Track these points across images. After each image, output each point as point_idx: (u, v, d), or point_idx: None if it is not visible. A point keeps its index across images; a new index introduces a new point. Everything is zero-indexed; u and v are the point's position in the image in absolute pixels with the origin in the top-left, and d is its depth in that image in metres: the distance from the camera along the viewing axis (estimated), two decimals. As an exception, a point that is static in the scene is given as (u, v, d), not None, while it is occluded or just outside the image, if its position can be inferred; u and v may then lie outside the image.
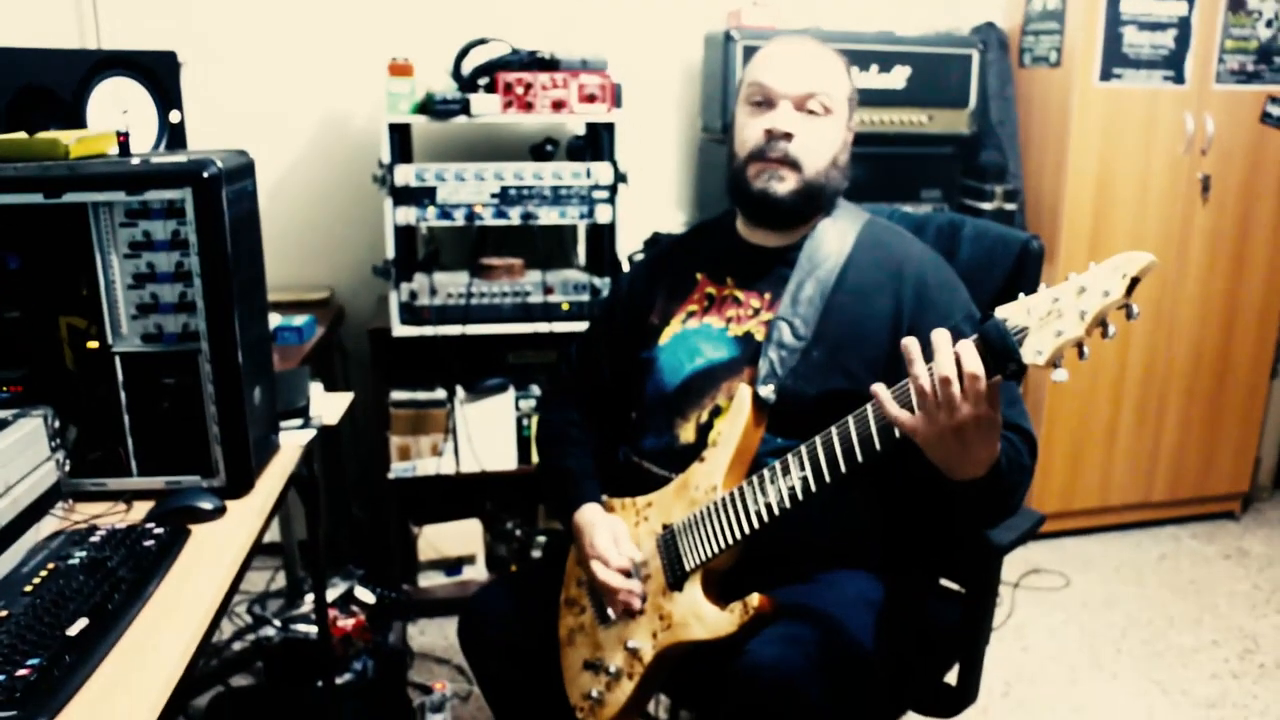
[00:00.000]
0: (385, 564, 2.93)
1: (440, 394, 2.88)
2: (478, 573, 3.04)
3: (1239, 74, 3.26)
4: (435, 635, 2.89)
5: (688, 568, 1.51)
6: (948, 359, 1.18)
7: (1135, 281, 1.04)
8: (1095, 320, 1.07)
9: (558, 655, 1.71)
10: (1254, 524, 3.76)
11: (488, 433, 2.90)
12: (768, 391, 1.54)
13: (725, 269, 1.70)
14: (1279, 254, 3.48)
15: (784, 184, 1.58)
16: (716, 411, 1.59)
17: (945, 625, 1.73)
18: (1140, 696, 2.67)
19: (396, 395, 2.87)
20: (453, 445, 2.88)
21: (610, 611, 1.61)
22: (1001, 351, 1.14)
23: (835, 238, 1.64)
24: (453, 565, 3.02)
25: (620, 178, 2.77)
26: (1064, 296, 1.10)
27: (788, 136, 1.57)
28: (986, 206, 3.21)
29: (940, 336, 1.20)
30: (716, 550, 1.47)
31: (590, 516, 1.65)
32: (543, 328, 2.80)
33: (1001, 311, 1.16)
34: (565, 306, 2.80)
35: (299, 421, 1.90)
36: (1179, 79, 3.20)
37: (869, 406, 1.30)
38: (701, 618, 1.48)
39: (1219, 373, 3.54)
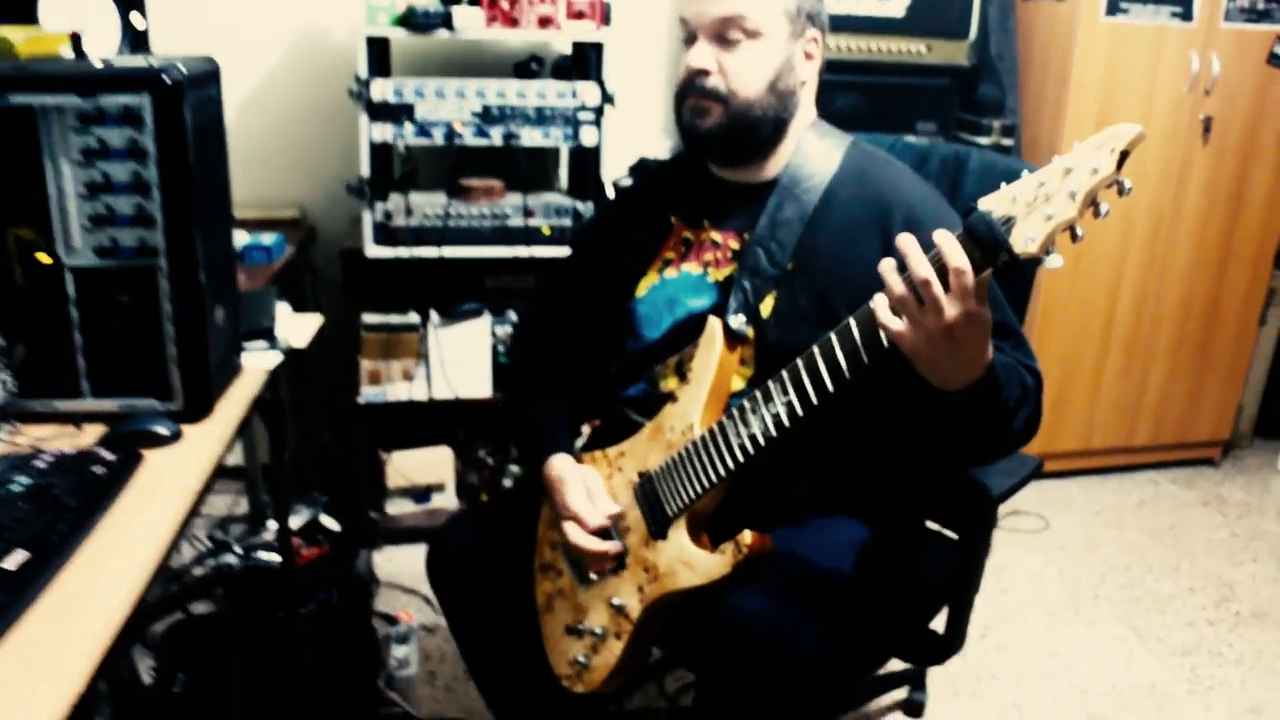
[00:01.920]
0: (353, 491, 2.87)
1: (413, 318, 2.80)
2: (447, 500, 2.99)
3: (1249, 12, 3.16)
4: (403, 564, 2.84)
5: (670, 513, 1.45)
6: (920, 262, 1.13)
7: (1124, 155, 1.01)
8: (1086, 199, 1.04)
9: (529, 588, 1.65)
10: (1233, 471, 3.75)
11: (462, 358, 2.82)
12: (739, 322, 1.46)
13: (700, 210, 1.60)
14: (1277, 200, 3.42)
15: (709, 118, 1.47)
16: None
17: (935, 571, 1.69)
18: (1118, 642, 2.66)
19: (368, 318, 2.79)
20: (425, 371, 2.81)
21: (591, 574, 1.55)
22: (990, 243, 1.09)
23: (818, 158, 1.53)
24: (422, 493, 2.96)
25: (607, 99, 2.67)
26: (1050, 179, 1.06)
27: (704, 73, 1.47)
28: (983, 141, 3.13)
29: (907, 241, 1.15)
30: (700, 491, 1.41)
31: (560, 470, 1.57)
32: (522, 252, 2.72)
33: (985, 203, 1.11)
34: (546, 231, 2.71)
35: (264, 344, 1.83)
36: (1187, 16, 3.10)
37: (851, 319, 1.24)
38: (691, 564, 1.41)
39: (1208, 318, 3.49)
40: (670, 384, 1.55)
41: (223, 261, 1.58)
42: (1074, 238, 1.10)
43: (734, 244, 1.54)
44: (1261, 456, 3.87)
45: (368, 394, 2.80)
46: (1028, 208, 1.08)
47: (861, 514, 1.56)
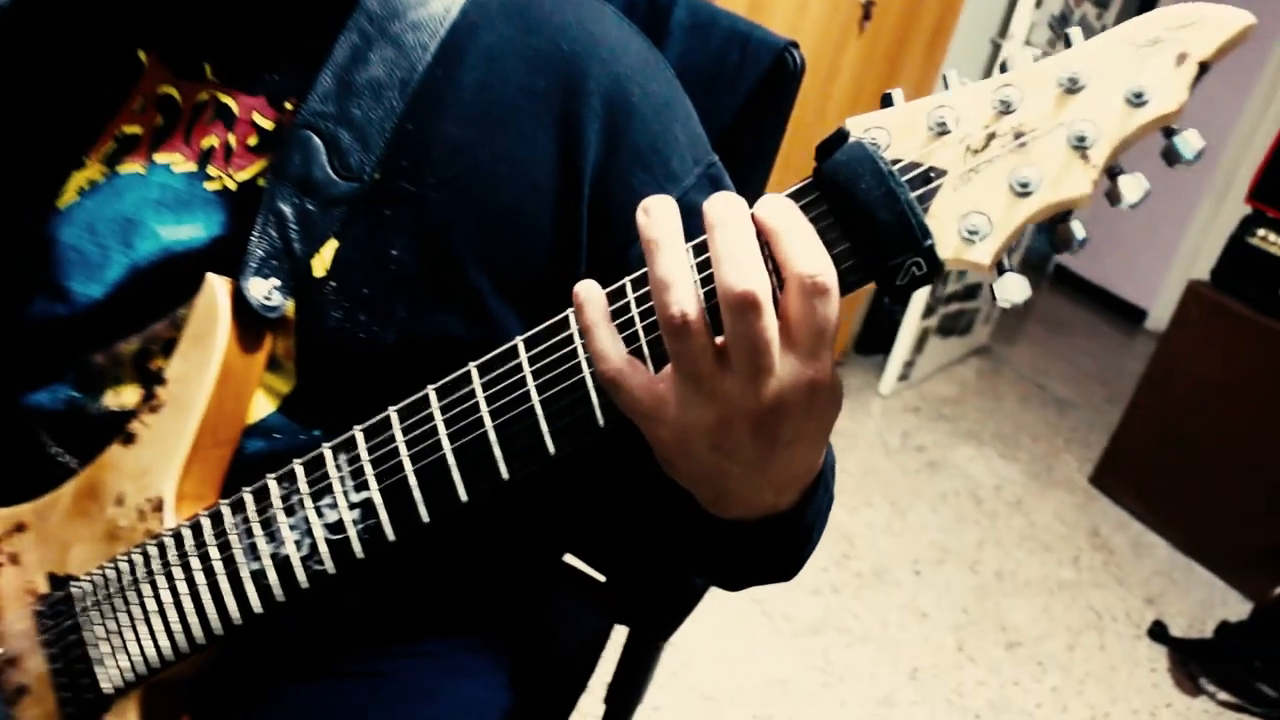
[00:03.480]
0: None
1: None
2: None
3: (921, -118, 2.73)
4: None
5: (108, 687, 0.70)
6: (745, 248, 0.49)
7: (1203, 70, 0.48)
8: (1114, 154, 0.48)
9: None
10: (839, 393, 3.55)
11: None
12: (265, 289, 0.70)
13: (202, 44, 0.77)
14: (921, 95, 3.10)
15: None
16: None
17: (573, 645, 1.09)
18: (743, 625, 2.26)
19: None
20: None
21: None
22: (895, 230, 0.50)
23: None
24: None
25: None
26: (1028, 101, 0.49)
27: None
28: None
29: (720, 204, 0.51)
30: (171, 653, 0.67)
31: None
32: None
33: (863, 125, 0.52)
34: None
35: None
36: (862, -127, 2.61)
37: (521, 342, 0.57)
38: None
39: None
40: (121, 397, 0.75)
41: None
42: (1066, 245, 0.50)
43: (264, 120, 0.75)
44: (861, 376, 3.72)
45: None
46: (971, 158, 0.49)
47: (484, 626, 0.90)
